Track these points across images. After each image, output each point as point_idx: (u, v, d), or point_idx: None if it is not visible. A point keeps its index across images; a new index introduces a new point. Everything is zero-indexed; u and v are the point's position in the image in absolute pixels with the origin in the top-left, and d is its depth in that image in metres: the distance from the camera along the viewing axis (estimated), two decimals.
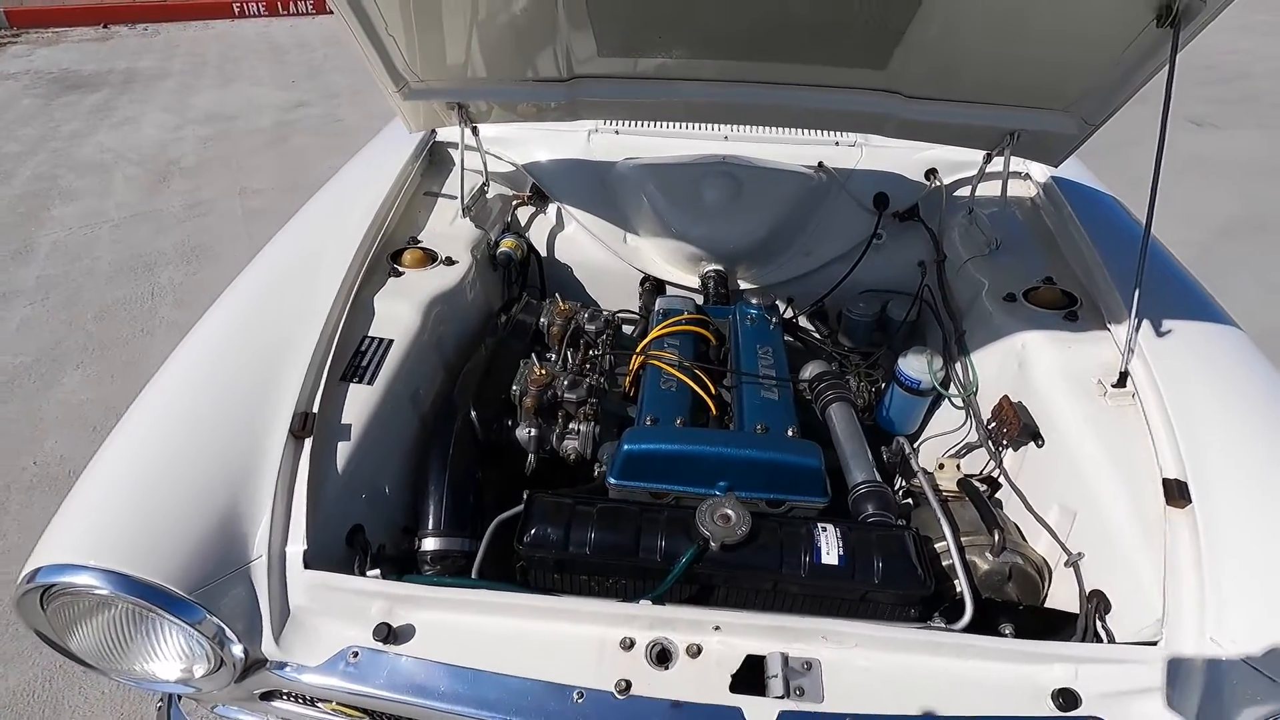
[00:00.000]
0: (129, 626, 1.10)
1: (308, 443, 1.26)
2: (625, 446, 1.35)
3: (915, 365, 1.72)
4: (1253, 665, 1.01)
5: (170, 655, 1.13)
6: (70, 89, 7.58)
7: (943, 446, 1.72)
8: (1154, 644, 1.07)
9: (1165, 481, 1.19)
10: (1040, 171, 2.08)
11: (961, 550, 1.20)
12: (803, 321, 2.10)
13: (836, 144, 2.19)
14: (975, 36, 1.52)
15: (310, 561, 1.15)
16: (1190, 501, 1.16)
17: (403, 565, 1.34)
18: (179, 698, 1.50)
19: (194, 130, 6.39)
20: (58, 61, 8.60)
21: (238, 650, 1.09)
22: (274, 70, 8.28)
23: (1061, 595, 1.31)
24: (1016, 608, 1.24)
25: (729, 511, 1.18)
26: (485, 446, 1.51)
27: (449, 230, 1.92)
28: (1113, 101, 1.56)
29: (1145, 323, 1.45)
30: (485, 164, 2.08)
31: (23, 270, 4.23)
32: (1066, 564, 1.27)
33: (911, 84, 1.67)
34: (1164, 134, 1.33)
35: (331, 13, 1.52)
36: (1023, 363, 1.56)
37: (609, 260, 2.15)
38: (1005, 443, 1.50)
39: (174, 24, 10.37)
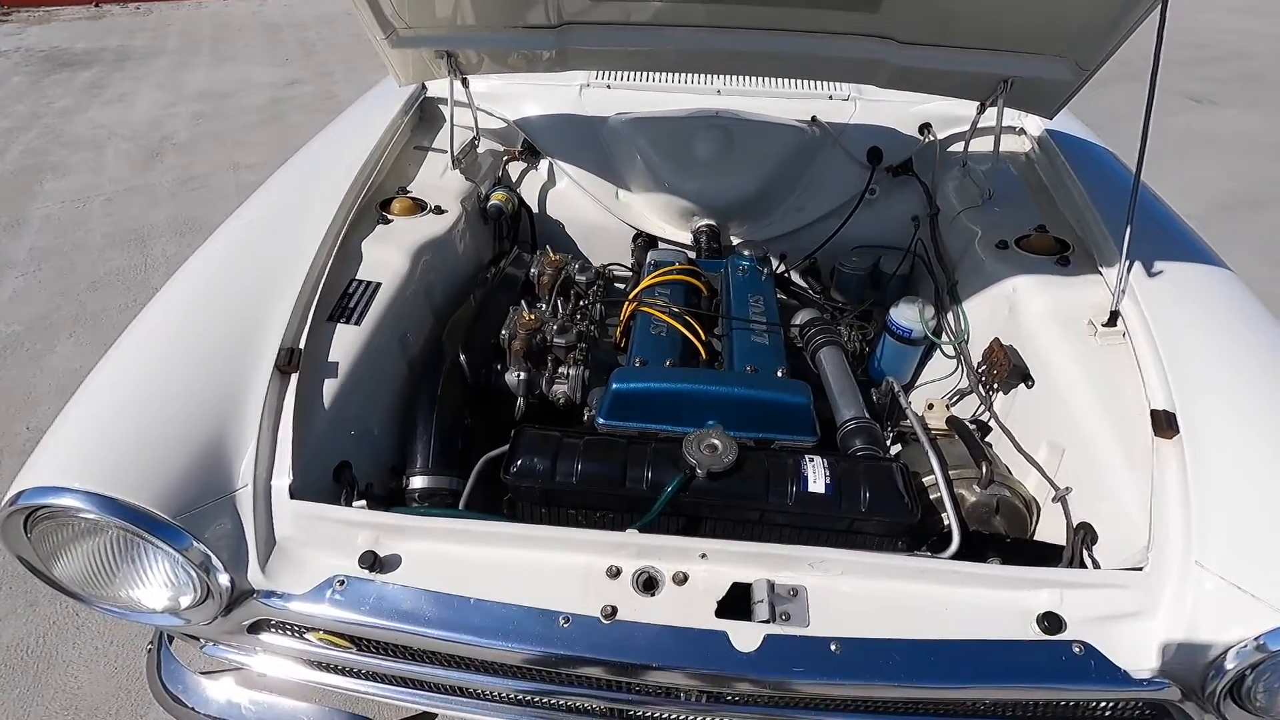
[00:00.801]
0: (115, 553, 1.10)
1: (293, 378, 1.25)
2: (614, 385, 1.35)
3: (907, 314, 1.71)
4: (1238, 587, 1.01)
5: (156, 583, 1.13)
6: (62, 66, 7.50)
7: (934, 393, 1.72)
8: (1139, 569, 1.07)
9: (1154, 413, 1.19)
10: (1035, 125, 2.06)
11: (949, 482, 1.20)
12: (795, 277, 2.09)
13: (830, 98, 2.17)
14: None
15: (296, 494, 1.15)
16: (1178, 432, 1.15)
17: (390, 503, 1.33)
18: (169, 640, 1.50)
19: (187, 107, 6.33)
20: (49, 40, 8.50)
21: (224, 579, 1.09)
22: (268, 48, 8.20)
23: (1049, 530, 1.31)
24: (1003, 540, 1.25)
25: (715, 441, 1.18)
26: (474, 390, 1.51)
27: (439, 182, 1.91)
28: (1106, 44, 1.54)
29: (1136, 264, 1.44)
30: (476, 118, 2.07)
31: (15, 243, 4.20)
32: (1054, 499, 1.27)
33: (904, 29, 1.66)
34: (1155, 73, 1.31)
35: None
36: (1013, 307, 1.55)
37: (601, 216, 2.14)
38: (995, 385, 1.49)
39: (167, 3, 10.24)
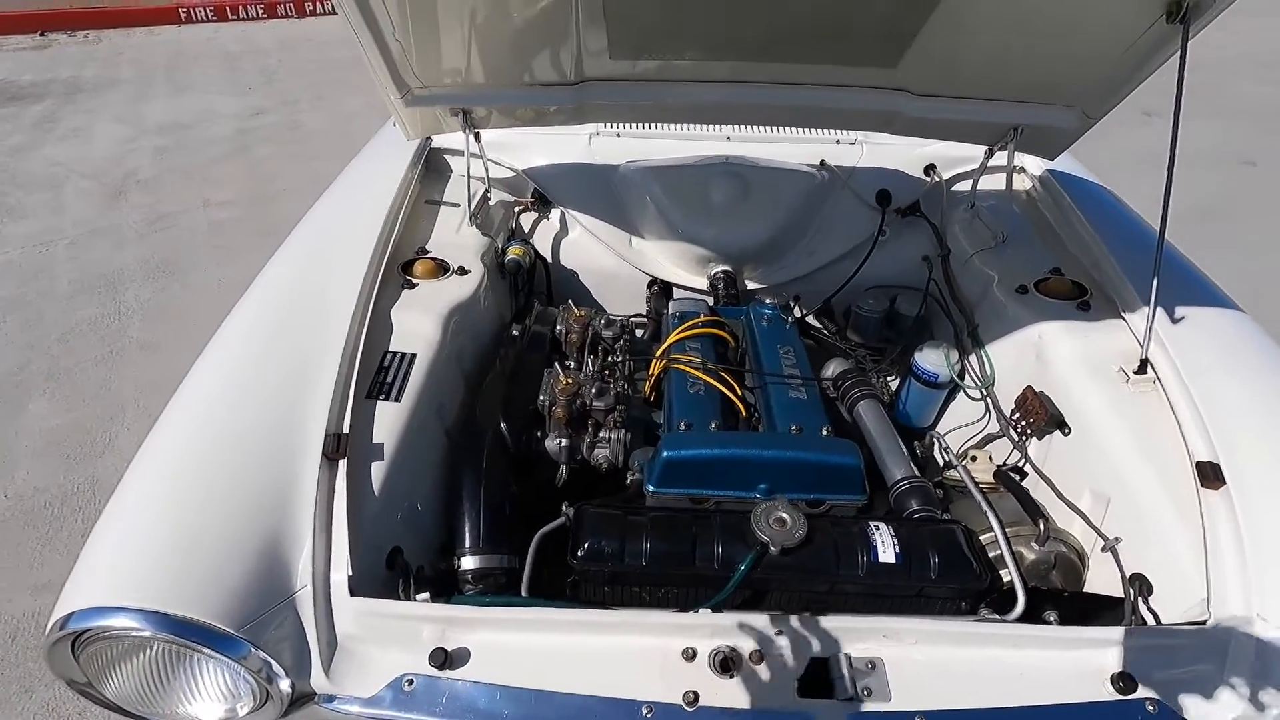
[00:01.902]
0: (168, 667, 1.04)
1: (342, 465, 1.21)
2: (665, 453, 1.34)
3: (932, 359, 1.74)
4: None
5: (212, 695, 1.08)
6: (10, 100, 7.20)
7: (959, 439, 1.75)
8: (1202, 623, 1.10)
9: (1199, 464, 1.22)
10: (1035, 164, 2.12)
11: (1009, 541, 1.22)
12: (810, 320, 2.11)
13: (838, 142, 2.21)
14: (985, 33, 1.54)
15: (355, 588, 1.11)
16: (1225, 483, 1.19)
17: (441, 585, 1.30)
18: None
19: (149, 141, 6.13)
20: None
21: (285, 685, 1.05)
22: (228, 77, 8.01)
23: (1099, 580, 1.33)
24: (1061, 595, 1.27)
25: (784, 515, 1.17)
26: (515, 459, 1.48)
27: (456, 239, 1.88)
28: (1116, 95, 1.60)
29: (1159, 310, 1.49)
30: (487, 170, 2.04)
31: None
32: (1104, 549, 1.30)
33: (919, 81, 1.69)
34: (1176, 127, 1.37)
35: (327, 14, 1.46)
36: (1040, 353, 1.59)
37: (615, 264, 2.13)
38: (1030, 432, 1.53)
39: (117, 30, 9.93)
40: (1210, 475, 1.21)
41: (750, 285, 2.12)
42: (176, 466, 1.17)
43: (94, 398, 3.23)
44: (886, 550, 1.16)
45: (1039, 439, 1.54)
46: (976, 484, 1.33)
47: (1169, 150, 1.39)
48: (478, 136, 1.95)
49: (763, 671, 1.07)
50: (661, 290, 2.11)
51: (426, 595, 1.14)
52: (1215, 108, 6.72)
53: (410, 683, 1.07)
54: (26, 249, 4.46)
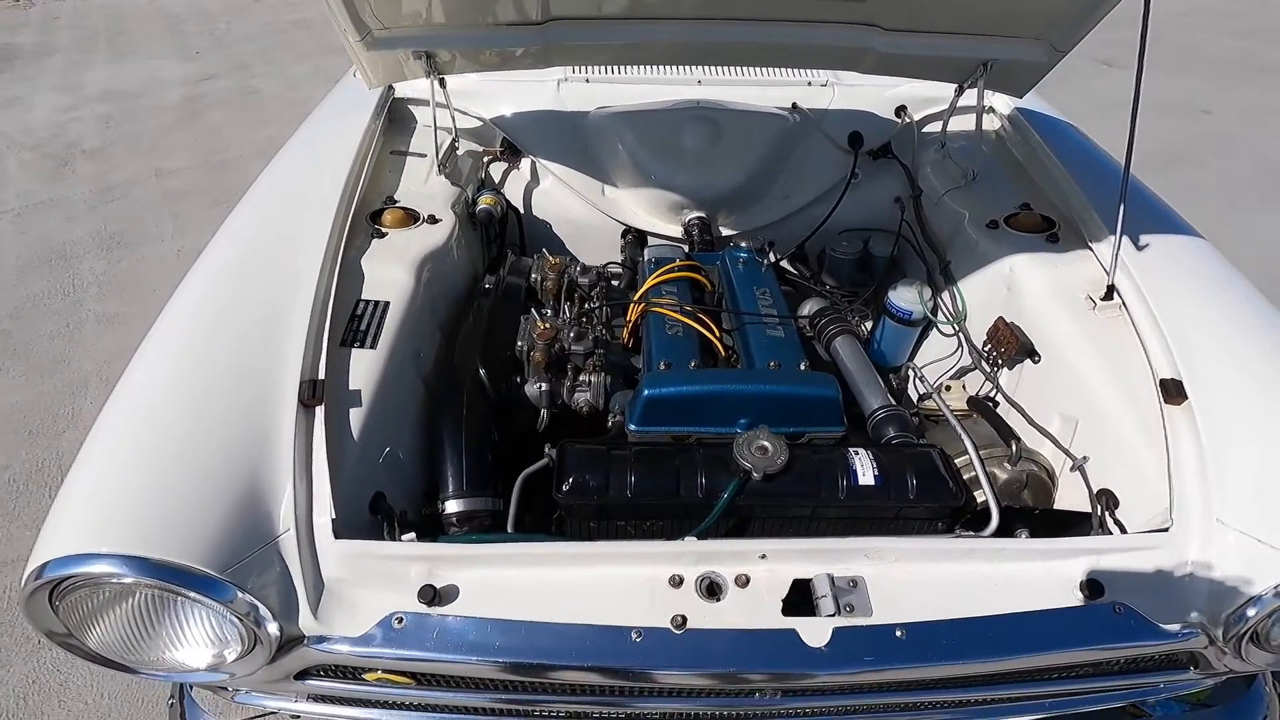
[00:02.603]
0: (153, 614, 1.03)
1: (319, 411, 1.19)
2: (646, 392, 1.34)
3: (906, 296, 1.76)
4: (1258, 539, 1.09)
5: (199, 640, 1.07)
6: None
7: (935, 373, 1.78)
8: (1165, 530, 1.15)
9: (1162, 381, 1.26)
10: (1003, 104, 2.13)
11: (983, 462, 1.25)
12: (785, 264, 2.11)
13: (809, 84, 2.19)
14: None
15: (339, 531, 1.11)
16: (1187, 398, 1.23)
17: (427, 530, 1.30)
18: (190, 689, 1.42)
19: (92, 109, 5.86)
20: None
21: (273, 628, 1.04)
22: (173, 42, 7.66)
23: (1069, 498, 1.38)
24: (1032, 512, 1.31)
25: (765, 443, 1.19)
26: (496, 405, 1.47)
27: (424, 189, 1.84)
28: (1082, 27, 1.61)
29: (1125, 239, 1.52)
30: (454, 119, 1.99)
31: None
32: (1073, 469, 1.34)
33: (889, 16, 1.68)
34: (1143, 54, 1.38)
35: None
36: (1011, 285, 1.62)
37: (589, 213, 2.11)
38: (1001, 362, 1.56)
39: None
40: (1173, 391, 1.25)
41: (725, 231, 2.12)
42: (149, 413, 1.14)
43: (53, 373, 3.14)
44: (865, 473, 1.19)
45: (1010, 368, 1.57)
46: (950, 410, 1.36)
47: (1134, 80, 1.41)
48: (443, 83, 1.89)
49: (748, 594, 1.09)
50: (636, 239, 2.10)
51: (412, 535, 1.14)
52: (1175, 61, 6.81)
53: (400, 620, 1.07)
54: None
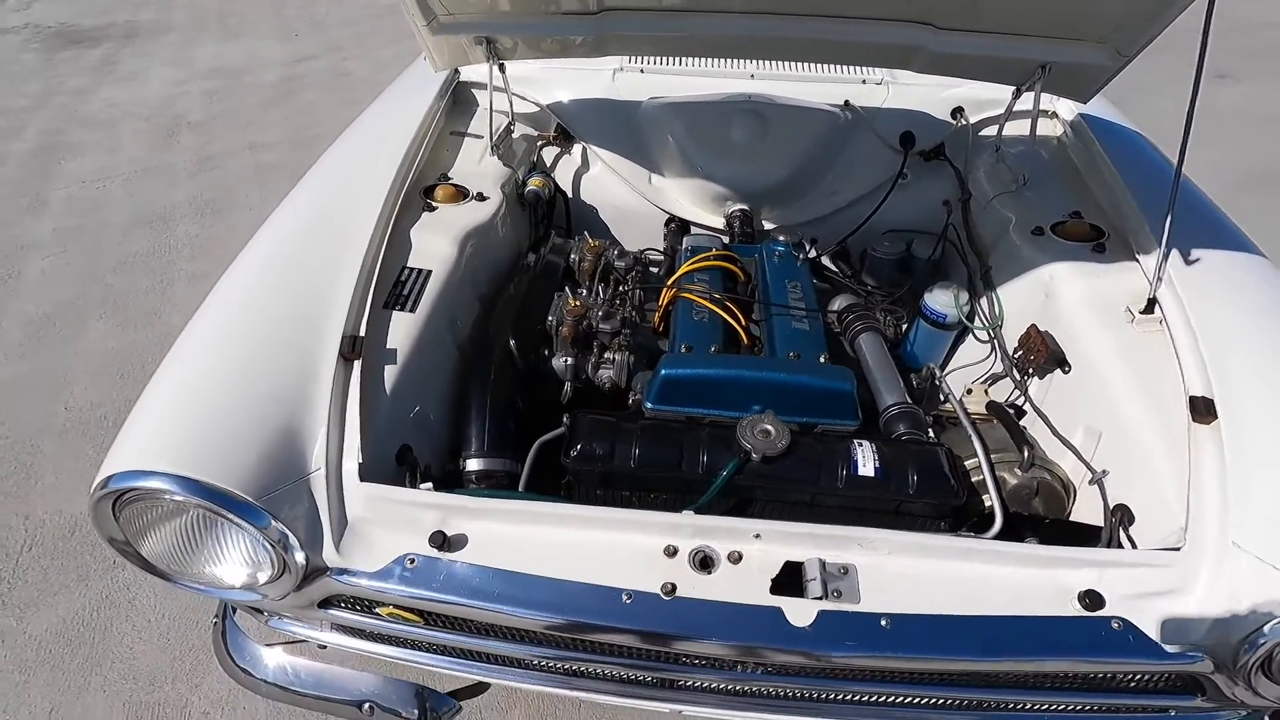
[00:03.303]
0: (198, 531, 1.15)
1: (356, 364, 1.30)
2: (663, 371, 1.39)
3: (941, 299, 1.74)
4: (1274, 566, 1.05)
5: (236, 560, 1.19)
6: (71, 43, 7.46)
7: (968, 378, 1.75)
8: (1177, 549, 1.12)
9: (1193, 399, 1.22)
10: (1068, 109, 2.06)
11: (991, 465, 1.25)
12: (826, 261, 2.12)
13: (864, 82, 2.18)
14: None
15: (365, 476, 1.20)
16: (1216, 417, 1.19)
17: (447, 484, 1.39)
18: (234, 612, 1.57)
19: (199, 85, 6.31)
20: (55, 15, 8.44)
21: (300, 556, 1.15)
22: (276, 24, 8.12)
23: (1086, 512, 1.35)
24: (1042, 520, 1.29)
25: (768, 426, 1.22)
26: (523, 375, 1.55)
27: (477, 169, 1.93)
28: (1148, 31, 1.55)
29: (1173, 252, 1.47)
30: (511, 103, 2.08)
31: (38, 223, 4.24)
32: (1091, 481, 1.31)
33: (943, 14, 1.66)
34: (1203, 55, 1.33)
35: None
36: (1050, 293, 1.58)
37: (634, 201, 2.16)
38: (1031, 370, 1.53)
39: None
40: (1202, 409, 1.21)
41: (767, 225, 2.14)
42: (209, 354, 1.28)
43: (146, 324, 3.43)
44: (866, 464, 1.20)
45: (1040, 377, 1.54)
46: (966, 412, 1.35)
47: (1192, 86, 1.36)
48: (502, 68, 1.98)
49: (739, 570, 1.13)
50: (679, 228, 2.14)
51: (430, 485, 1.23)
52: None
53: (412, 561, 1.16)
54: (86, 184, 4.68)
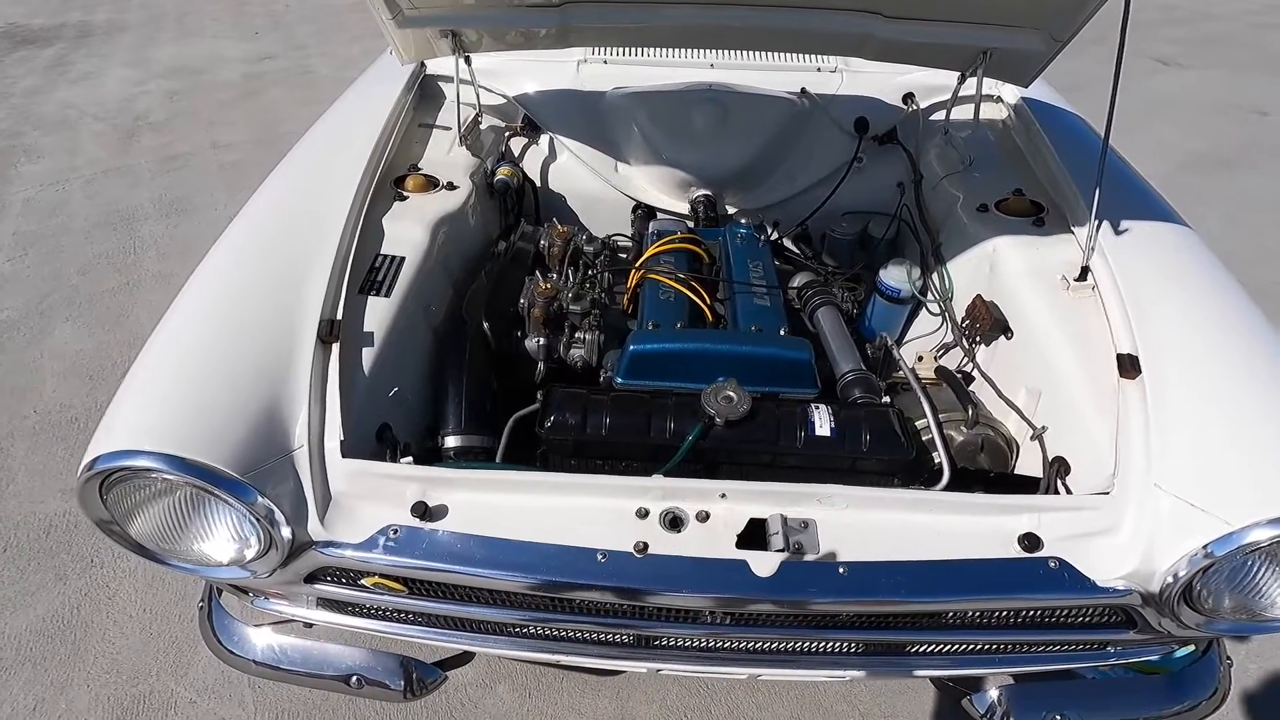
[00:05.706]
0: (186, 510, 1.19)
1: (335, 347, 1.34)
2: (631, 347, 1.46)
3: (895, 275, 1.83)
4: (1190, 503, 1.15)
5: (223, 537, 1.22)
6: (22, 44, 7.28)
7: (922, 348, 1.85)
8: (1106, 493, 1.22)
9: (1119, 357, 1.33)
10: (1011, 94, 2.17)
11: (939, 423, 1.34)
12: (788, 243, 2.20)
13: (818, 70, 2.27)
14: None
15: (346, 453, 1.25)
16: (1140, 372, 1.30)
17: (427, 461, 1.44)
18: (219, 594, 1.60)
19: (159, 85, 6.21)
20: (4, 15, 8.22)
21: (286, 531, 1.19)
22: (235, 22, 8.01)
23: (1028, 466, 1.45)
24: (986, 474, 1.39)
25: (731, 393, 1.30)
26: (497, 356, 1.61)
27: (446, 159, 1.98)
28: (1078, 16, 1.65)
29: (1105, 223, 1.57)
30: (478, 95, 2.13)
31: None
32: (1032, 437, 1.41)
33: (890, 3, 1.75)
34: (1124, 37, 1.43)
35: None
36: (994, 265, 1.68)
37: (601, 189, 2.23)
38: (978, 338, 1.63)
39: None
40: (1128, 366, 1.31)
41: (730, 209, 2.21)
42: (191, 337, 1.31)
43: (115, 325, 3.40)
44: (823, 425, 1.28)
45: (986, 344, 1.64)
46: (916, 376, 1.44)
47: (1114, 70, 1.45)
48: (468, 60, 2.03)
49: (707, 528, 1.20)
50: (645, 214, 2.21)
51: (410, 459, 1.28)
52: (1240, 59, 6.58)
53: (395, 531, 1.21)
54: (45, 187, 4.60)
